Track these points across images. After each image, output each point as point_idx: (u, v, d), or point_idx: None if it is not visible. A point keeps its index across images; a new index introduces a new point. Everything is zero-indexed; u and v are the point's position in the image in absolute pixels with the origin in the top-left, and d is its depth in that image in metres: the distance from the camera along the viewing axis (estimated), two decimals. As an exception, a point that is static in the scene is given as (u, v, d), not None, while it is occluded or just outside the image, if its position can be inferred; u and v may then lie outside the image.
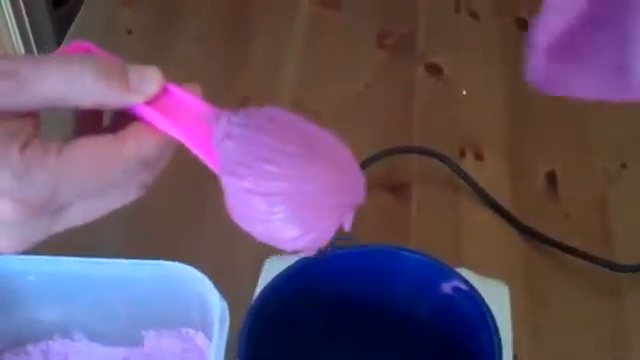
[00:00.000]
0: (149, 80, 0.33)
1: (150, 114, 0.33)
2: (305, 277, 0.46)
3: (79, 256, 0.50)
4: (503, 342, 0.51)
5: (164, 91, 0.33)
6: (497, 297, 0.56)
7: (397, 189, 0.73)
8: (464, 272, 0.55)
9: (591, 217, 0.72)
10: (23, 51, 1.61)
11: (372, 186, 0.72)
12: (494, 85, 0.82)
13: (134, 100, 0.32)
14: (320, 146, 0.33)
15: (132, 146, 0.32)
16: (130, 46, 0.86)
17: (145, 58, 0.83)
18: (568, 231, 0.70)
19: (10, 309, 0.54)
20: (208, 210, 0.70)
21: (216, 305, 0.49)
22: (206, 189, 0.73)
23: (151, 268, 0.51)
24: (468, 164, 0.75)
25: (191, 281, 0.50)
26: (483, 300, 0.44)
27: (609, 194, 0.73)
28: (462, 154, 0.76)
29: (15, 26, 1.58)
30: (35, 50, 1.64)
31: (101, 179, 0.32)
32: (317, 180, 0.32)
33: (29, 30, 1.61)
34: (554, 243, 0.68)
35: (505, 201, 0.72)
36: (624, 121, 0.79)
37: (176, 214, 0.71)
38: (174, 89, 0.34)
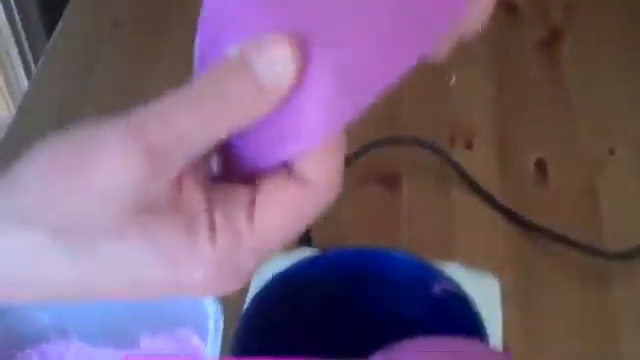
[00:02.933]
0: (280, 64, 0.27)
1: None
2: (297, 279, 0.46)
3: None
4: (494, 335, 0.52)
5: None
6: (488, 290, 0.57)
7: (388, 180, 0.73)
8: (455, 266, 0.56)
9: (580, 204, 0.72)
10: (11, 36, 1.60)
11: (363, 178, 0.73)
12: (483, 73, 0.82)
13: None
14: None
15: (323, 189, 0.28)
16: (117, 40, 0.86)
17: (132, 52, 0.84)
18: (557, 218, 0.70)
19: (7, 314, 0.55)
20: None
21: (210, 306, 0.50)
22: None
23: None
24: (458, 153, 0.75)
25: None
26: (472, 302, 0.44)
27: (598, 180, 0.74)
28: (452, 142, 0.76)
29: (2, 12, 1.57)
30: (23, 35, 1.63)
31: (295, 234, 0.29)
32: None
33: (15, 11, 1.61)
34: (543, 231, 0.69)
35: (495, 189, 0.72)
36: (612, 107, 0.80)
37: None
38: None
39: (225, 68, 0.27)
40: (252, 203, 0.28)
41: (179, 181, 0.27)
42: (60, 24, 0.87)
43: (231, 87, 0.27)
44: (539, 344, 0.62)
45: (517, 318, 0.63)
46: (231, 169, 0.30)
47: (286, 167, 0.28)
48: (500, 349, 0.50)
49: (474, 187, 0.72)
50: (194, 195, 0.27)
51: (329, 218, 0.76)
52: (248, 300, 0.48)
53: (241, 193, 0.28)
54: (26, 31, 1.67)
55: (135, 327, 0.55)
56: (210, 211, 0.27)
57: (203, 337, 0.53)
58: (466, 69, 0.82)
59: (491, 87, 0.81)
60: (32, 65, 1.70)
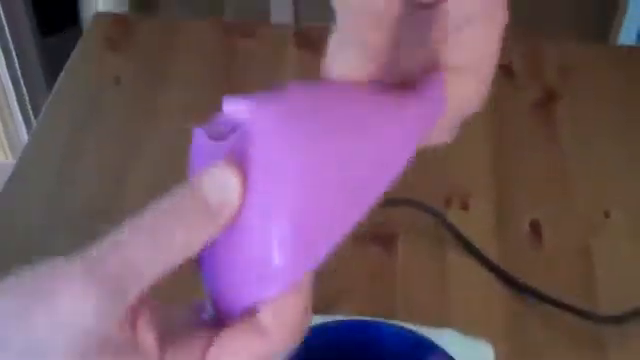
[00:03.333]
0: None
1: None
2: (293, 350, 0.46)
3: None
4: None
5: None
6: (482, 358, 0.57)
7: (384, 240, 0.74)
8: (450, 333, 0.56)
9: (574, 266, 0.73)
10: (8, 78, 1.62)
11: (359, 238, 0.73)
12: (479, 133, 0.83)
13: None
14: None
15: (279, 341, 0.30)
16: (118, 95, 0.87)
17: (132, 107, 0.85)
18: (552, 280, 0.71)
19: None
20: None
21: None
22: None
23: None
24: (454, 213, 0.76)
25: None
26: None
27: (592, 243, 0.74)
28: (448, 203, 0.77)
29: (1, 54, 1.59)
30: (21, 79, 1.65)
31: None
32: None
33: (15, 58, 1.63)
34: (538, 294, 0.69)
35: (491, 250, 0.73)
36: (608, 169, 0.81)
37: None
38: None
39: (177, 191, 0.29)
40: (206, 351, 0.29)
41: (134, 319, 0.28)
42: (62, 76, 0.88)
43: (181, 207, 0.29)
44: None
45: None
46: (217, 310, 0.31)
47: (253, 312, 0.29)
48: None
49: (469, 248, 0.73)
50: (147, 337, 0.28)
51: (325, 277, 0.76)
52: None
53: (197, 339, 0.29)
54: (26, 84, 1.69)
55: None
56: (162, 356, 0.28)
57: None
58: (463, 130, 0.83)
59: (487, 148, 0.82)
60: (31, 116, 1.72)
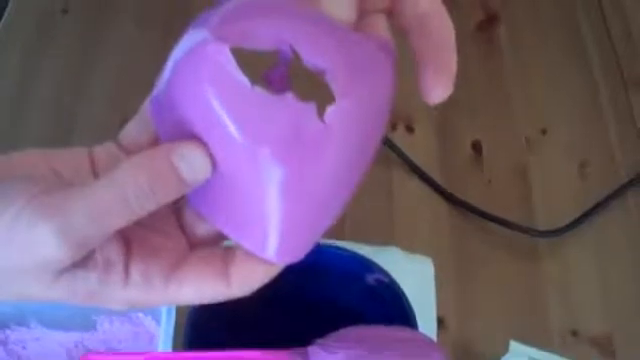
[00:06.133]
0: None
1: None
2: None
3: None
4: (427, 314, 0.56)
5: None
6: (423, 273, 0.61)
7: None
8: (392, 251, 0.60)
9: (512, 183, 0.77)
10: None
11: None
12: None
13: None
14: None
15: (236, 291, 0.32)
16: (66, 26, 0.87)
17: (81, 39, 0.85)
18: (491, 197, 0.75)
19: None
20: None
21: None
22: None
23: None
24: (399, 137, 0.79)
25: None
26: (402, 291, 0.48)
27: (529, 160, 0.78)
28: (394, 127, 0.80)
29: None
30: None
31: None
32: None
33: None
34: (478, 212, 0.73)
35: (434, 171, 0.76)
36: (545, 91, 0.84)
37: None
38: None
39: (150, 153, 0.30)
40: (174, 268, 0.32)
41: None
42: (10, 6, 0.88)
43: (152, 166, 0.30)
44: (472, 314, 0.67)
45: (453, 293, 0.67)
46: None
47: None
48: (433, 335, 0.54)
49: (414, 169, 0.76)
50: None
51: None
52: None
53: (168, 251, 0.32)
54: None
55: (91, 311, 0.58)
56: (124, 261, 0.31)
57: (157, 319, 0.56)
58: (406, 53, 0.85)
59: (431, 71, 0.85)
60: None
